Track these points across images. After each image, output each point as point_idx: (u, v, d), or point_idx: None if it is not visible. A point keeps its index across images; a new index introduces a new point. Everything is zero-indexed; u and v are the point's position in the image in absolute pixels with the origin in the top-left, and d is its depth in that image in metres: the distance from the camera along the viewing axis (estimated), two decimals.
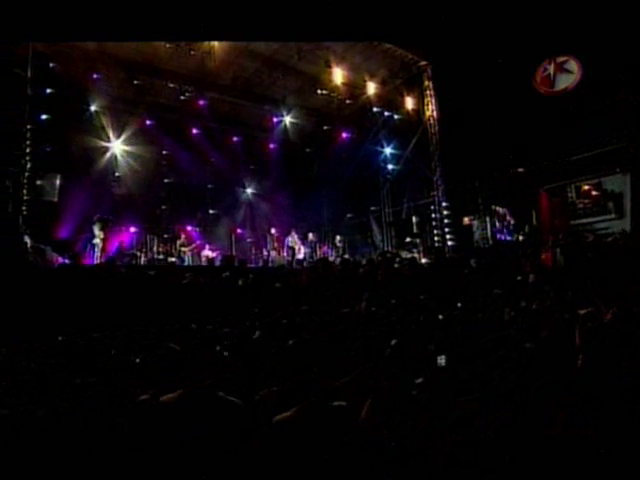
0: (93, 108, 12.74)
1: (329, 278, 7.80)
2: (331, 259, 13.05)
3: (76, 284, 6.77)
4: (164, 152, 16.00)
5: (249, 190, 18.20)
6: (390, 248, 16.56)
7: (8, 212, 7.96)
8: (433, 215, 15.40)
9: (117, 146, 14.51)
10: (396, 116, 16.09)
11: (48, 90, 10.66)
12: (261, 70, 14.31)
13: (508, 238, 15.74)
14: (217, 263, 12.07)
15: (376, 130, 16.81)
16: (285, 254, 13.66)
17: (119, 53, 11.83)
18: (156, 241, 13.08)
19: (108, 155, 14.10)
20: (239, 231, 17.15)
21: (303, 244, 14.34)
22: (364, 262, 10.26)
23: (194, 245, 13.18)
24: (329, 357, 2.69)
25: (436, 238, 15.10)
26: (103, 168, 13.65)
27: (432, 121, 15.46)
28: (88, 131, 12.65)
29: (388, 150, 17.15)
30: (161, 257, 12.47)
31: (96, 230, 10.10)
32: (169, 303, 6.32)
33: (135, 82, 12.71)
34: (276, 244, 14.17)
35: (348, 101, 15.50)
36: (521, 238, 14.10)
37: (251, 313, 5.69)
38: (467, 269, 9.67)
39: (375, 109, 15.87)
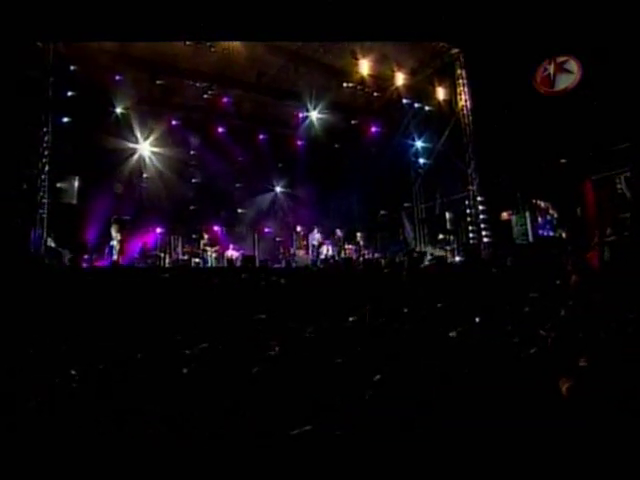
0: (117, 110, 12.73)
1: (347, 279, 7.31)
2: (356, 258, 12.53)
3: (87, 286, 6.58)
4: (192, 152, 16.02)
5: (277, 188, 17.94)
6: (422, 246, 15.85)
7: (25, 215, 7.91)
8: (468, 210, 14.57)
9: (144, 147, 14.57)
10: (427, 107, 15.34)
11: (69, 93, 10.66)
12: (286, 66, 13.94)
13: (551, 234, 14.70)
14: (237, 264, 11.79)
15: (406, 123, 16.11)
16: (310, 253, 13.25)
17: (140, 53, 11.73)
18: (180, 242, 12.96)
19: (134, 156, 14.14)
20: (266, 230, 16.94)
21: (329, 242, 13.88)
22: (384, 262, 9.71)
23: (217, 246, 12.97)
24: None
25: (471, 235, 14.27)
26: (129, 170, 13.65)
27: (465, 111, 14.61)
28: (112, 133, 12.65)
29: (419, 143, 16.42)
30: (185, 258, 12.32)
31: (113, 232, 10.01)
32: (180, 307, 6.02)
33: (158, 82, 12.57)
34: (302, 243, 13.78)
35: (376, 94, 14.89)
36: (564, 235, 13.08)
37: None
38: (502, 268, 8.93)
39: (405, 101, 15.18)
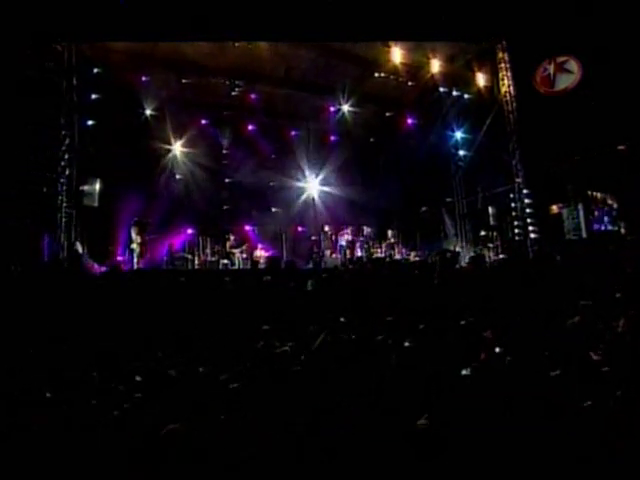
0: (144, 111, 12.65)
1: (371, 283, 6.69)
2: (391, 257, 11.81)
3: (97, 290, 6.33)
4: (224, 151, 15.83)
5: (310, 185, 17.43)
6: (464, 243, 14.88)
7: (37, 219, 7.82)
8: (513, 204, 13.49)
9: (174, 148, 14.50)
10: (466, 95, 14.34)
11: (93, 95, 10.59)
12: (316, 59, 13.41)
13: (609, 228, 13.35)
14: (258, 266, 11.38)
15: (444, 113, 15.17)
16: (339, 254, 12.66)
17: (163, 53, 11.54)
18: (209, 243, 12.73)
19: (163, 157, 14.06)
20: (300, 229, 16.51)
21: (360, 241, 13.24)
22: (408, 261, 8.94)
23: (245, 246, 12.62)
24: None
25: (517, 230, 13.20)
26: (159, 171, 13.57)
27: (508, 98, 13.51)
28: (140, 134, 12.55)
29: (459, 134, 15.42)
30: (213, 259, 12.06)
31: (133, 234, 9.83)
32: (185, 316, 5.63)
33: (183, 81, 12.36)
34: (330, 243, 13.21)
35: (410, 83, 14.05)
36: (623, 229, 11.78)
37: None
38: (549, 268, 8.00)
39: (441, 89, 14.26)
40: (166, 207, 13.41)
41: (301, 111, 15.51)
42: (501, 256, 11.96)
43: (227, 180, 15.88)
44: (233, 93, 13.40)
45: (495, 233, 13.43)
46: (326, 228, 14.02)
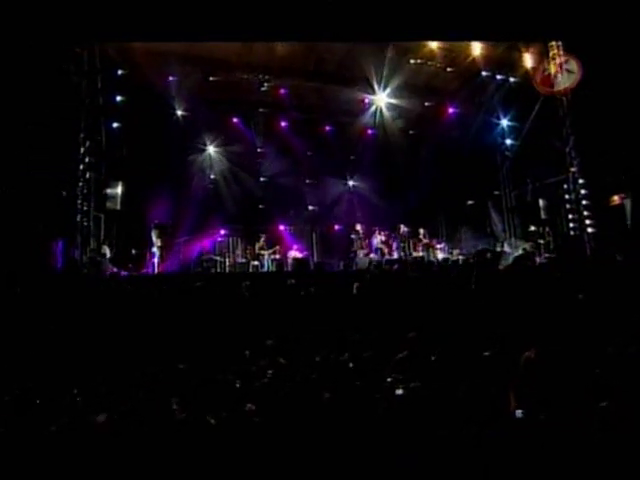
0: (173, 112, 12.49)
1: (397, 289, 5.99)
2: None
3: (110, 296, 6.05)
4: (259, 150, 15.53)
5: (349, 182, 16.82)
6: (513, 239, 13.74)
7: (59, 223, 7.69)
8: (567, 196, 12.27)
9: (207, 147, 14.35)
10: (512, 79, 13.18)
11: (118, 98, 10.48)
12: (347, 49, 12.75)
13: None
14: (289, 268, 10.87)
15: (488, 99, 14.09)
16: (373, 254, 11.95)
17: (188, 52, 11.27)
18: (240, 244, 12.41)
19: (195, 158, 13.91)
20: (336, 227, 15.94)
21: (396, 241, 12.47)
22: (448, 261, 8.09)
23: (276, 247, 12.18)
24: None
25: (571, 225, 11.98)
26: (189, 172, 13.41)
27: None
28: (170, 136, 12.40)
29: (505, 122, 14.29)
30: (244, 261, 11.71)
31: (154, 237, 9.61)
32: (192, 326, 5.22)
33: (210, 79, 12.08)
34: (364, 242, 12.52)
35: (449, 69, 13.07)
36: None
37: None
38: (609, 267, 6.97)
39: (484, 73, 13.18)
40: (198, 208, 13.26)
41: (334, 105, 14.88)
42: (552, 255, 10.83)
43: (262, 179, 15.59)
44: (262, 89, 12.98)
45: (547, 228, 12.24)
46: (358, 227, 13.29)
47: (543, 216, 12.53)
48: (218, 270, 11.24)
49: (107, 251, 9.68)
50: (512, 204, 14.65)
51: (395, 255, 12.12)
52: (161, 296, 5.78)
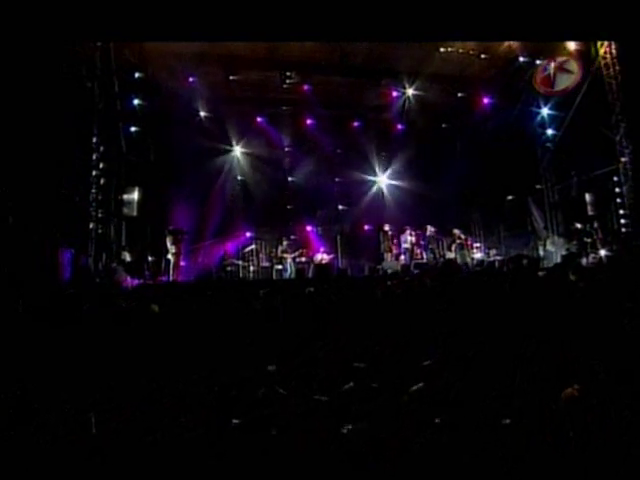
0: (195, 113, 12.26)
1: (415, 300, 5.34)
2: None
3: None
4: (286, 149, 15.18)
5: (380, 180, 16.16)
6: (556, 237, 12.71)
7: (72, 231, 7.52)
8: (617, 189, 11.19)
9: (232, 148, 14.07)
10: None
11: (136, 101, 10.30)
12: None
13: None
14: (310, 273, 10.36)
15: (526, 87, 13.09)
16: (402, 257, 11.28)
17: (207, 51, 10.95)
18: (264, 247, 12.05)
19: (219, 159, 13.66)
20: (366, 227, 15.35)
21: (425, 241, 11.75)
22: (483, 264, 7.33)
23: (300, 250, 11.71)
24: None
25: (623, 221, 10.90)
26: (212, 174, 13.17)
27: (609, 59, 11.22)
28: (191, 138, 12.15)
29: (545, 111, 13.25)
30: (267, 265, 11.33)
31: (168, 244, 9.32)
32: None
33: (231, 78, 11.75)
34: (391, 244, 11.86)
35: (483, 56, 12.18)
36: None
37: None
38: None
39: (521, 59, 12.23)
40: (222, 211, 13.02)
41: (361, 100, 14.28)
42: (602, 253, 9.84)
43: (290, 179, 15.20)
44: (285, 86, 12.54)
45: (595, 225, 11.19)
46: (386, 227, 12.64)
47: (590, 212, 11.48)
48: (241, 275, 10.91)
49: (127, 257, 9.52)
50: (555, 199, 13.59)
51: (425, 257, 11.39)
52: (163, 309, 5.39)
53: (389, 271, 9.84)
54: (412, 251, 11.26)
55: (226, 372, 4.16)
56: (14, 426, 4.04)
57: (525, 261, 5.87)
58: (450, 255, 11.88)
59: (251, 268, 11.53)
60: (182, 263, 11.40)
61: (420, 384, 3.52)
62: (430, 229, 12.14)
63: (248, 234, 13.57)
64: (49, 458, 3.68)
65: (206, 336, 5.15)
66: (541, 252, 12.26)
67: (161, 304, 5.74)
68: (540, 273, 5.70)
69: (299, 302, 6.62)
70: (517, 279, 5.40)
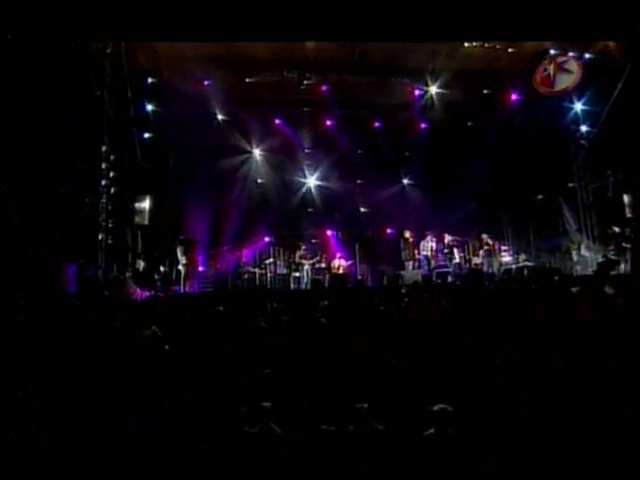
0: (211, 117, 12.03)
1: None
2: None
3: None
4: (306, 151, 14.87)
5: (403, 181, 15.65)
6: (590, 241, 11.94)
7: (79, 243, 7.33)
8: None
9: (250, 152, 13.83)
10: (587, 55, 11.39)
11: (149, 107, 10.11)
12: None
13: None
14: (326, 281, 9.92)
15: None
16: (421, 265, 10.75)
17: (221, 53, 10.69)
18: (282, 253, 11.74)
19: (237, 163, 13.44)
20: (388, 231, 14.86)
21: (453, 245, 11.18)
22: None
23: (317, 258, 11.32)
24: None
25: None
26: (231, 179, 12.95)
27: None
28: (210, 142, 11.95)
29: (579, 106, 12.45)
30: (285, 272, 11.01)
31: (179, 254, 9.07)
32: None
33: (247, 80, 11.47)
34: (412, 252, 11.32)
35: (510, 50, 11.51)
36: None
37: None
38: None
39: (552, 51, 11.50)
40: (240, 216, 12.78)
41: (383, 99, 13.76)
42: None
43: (309, 181, 14.87)
44: (302, 87, 12.19)
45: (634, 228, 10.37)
46: (407, 234, 12.12)
47: (628, 214, 10.67)
48: (257, 283, 10.62)
49: (142, 265, 9.36)
50: (589, 200, 12.77)
51: (448, 264, 10.83)
52: (165, 327, 5.13)
53: (409, 281, 9.35)
54: (432, 258, 10.70)
55: (224, 391, 3.88)
56: (14, 427, 3.89)
57: (557, 278, 5.32)
58: (477, 261, 11.28)
59: (268, 275, 11.23)
60: (200, 268, 11.29)
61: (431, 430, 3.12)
62: (448, 237, 11.51)
63: (267, 239, 13.32)
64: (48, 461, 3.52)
65: (207, 356, 4.86)
66: (574, 257, 11.53)
67: (165, 321, 5.48)
68: (574, 289, 5.15)
69: (310, 317, 6.28)
70: (548, 297, 4.87)
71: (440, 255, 10.94)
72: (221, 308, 6.40)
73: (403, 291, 6.96)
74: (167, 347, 5.09)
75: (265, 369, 4.46)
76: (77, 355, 4.88)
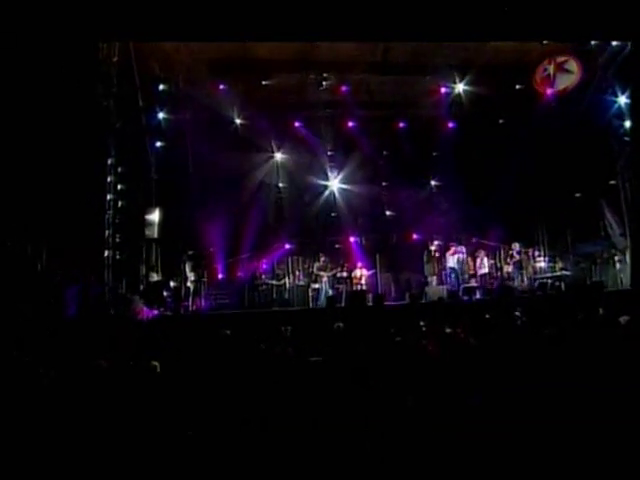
0: (228, 122, 11.69)
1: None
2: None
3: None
4: (329, 153, 14.34)
5: (431, 183, 14.89)
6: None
7: (78, 265, 7.06)
8: None
9: (270, 156, 13.42)
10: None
11: (161, 115, 9.82)
12: None
13: None
14: (341, 300, 9.36)
15: (599, 73, 11.38)
16: (446, 279, 10.04)
17: (236, 56, 10.33)
18: (301, 262, 11.28)
19: (258, 168, 13.06)
20: (415, 237, 14.12)
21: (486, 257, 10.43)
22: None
23: (336, 270, 10.76)
24: None
25: None
26: (250, 186, 12.58)
27: None
28: (227, 146, 11.60)
29: (623, 99, 11.44)
30: (302, 283, 10.54)
31: (187, 270, 8.71)
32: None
33: (264, 83, 11.06)
34: (436, 265, 10.61)
35: (545, 41, 10.67)
36: None
37: None
38: None
39: (593, 42, 10.59)
40: (261, 221, 12.41)
41: (407, 98, 13.14)
42: None
43: (333, 185, 14.32)
44: (321, 88, 11.70)
45: None
46: (433, 246, 11.40)
47: None
48: (274, 296, 10.19)
49: (155, 278, 9.09)
50: (635, 202, 11.71)
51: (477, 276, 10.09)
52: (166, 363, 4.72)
53: (433, 297, 8.71)
54: (458, 271, 9.99)
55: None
56: None
57: (602, 310, 4.58)
58: (508, 269, 10.50)
59: (287, 285, 10.79)
60: (220, 275, 10.99)
61: None
62: (458, 250, 10.73)
63: (287, 246, 12.90)
64: None
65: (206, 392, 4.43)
66: (617, 265, 10.59)
67: (166, 359, 5.07)
68: (622, 319, 4.43)
69: (319, 344, 5.75)
70: (590, 331, 4.18)
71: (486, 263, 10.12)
72: (228, 332, 5.95)
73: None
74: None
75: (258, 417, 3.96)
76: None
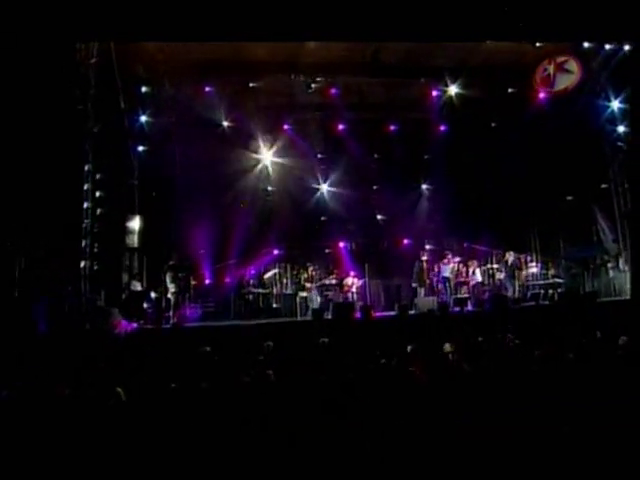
0: (214, 125, 11.34)
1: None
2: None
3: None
4: (318, 156, 14.04)
5: (422, 187, 14.65)
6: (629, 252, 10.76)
7: (46, 280, 6.70)
8: None
9: (262, 160, 13.10)
10: (627, 47, 10.25)
11: (143, 118, 9.48)
12: None
13: None
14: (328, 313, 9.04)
15: (592, 77, 11.22)
16: (441, 289, 9.79)
17: (223, 58, 10.00)
18: (289, 269, 10.99)
19: (245, 173, 12.73)
20: (406, 242, 13.90)
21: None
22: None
23: (328, 275, 10.47)
24: None
25: None
26: (236, 190, 12.26)
27: None
28: (213, 150, 11.29)
29: (616, 104, 11.29)
30: (290, 292, 10.24)
31: (167, 281, 8.40)
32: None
33: (251, 85, 10.75)
34: (425, 274, 10.35)
35: (538, 43, 10.47)
36: None
37: None
38: None
39: (586, 44, 10.41)
40: (249, 226, 12.10)
41: (397, 101, 12.89)
42: None
43: (321, 189, 14.03)
44: (310, 91, 11.41)
45: None
46: (424, 257, 11.15)
47: None
48: (260, 305, 9.89)
49: (138, 286, 8.77)
50: (627, 207, 11.56)
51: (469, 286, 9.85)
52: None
53: (422, 309, 8.46)
54: (452, 280, 9.75)
55: None
56: None
57: (599, 334, 4.34)
58: (500, 276, 10.30)
59: (274, 292, 10.49)
60: (207, 281, 10.67)
61: None
62: (453, 259, 10.53)
63: (276, 251, 12.61)
64: None
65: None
66: (610, 272, 10.42)
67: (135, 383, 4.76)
68: (621, 340, 4.20)
69: (302, 364, 5.46)
70: (588, 351, 3.95)
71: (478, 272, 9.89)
72: (208, 349, 5.66)
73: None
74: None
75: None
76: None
